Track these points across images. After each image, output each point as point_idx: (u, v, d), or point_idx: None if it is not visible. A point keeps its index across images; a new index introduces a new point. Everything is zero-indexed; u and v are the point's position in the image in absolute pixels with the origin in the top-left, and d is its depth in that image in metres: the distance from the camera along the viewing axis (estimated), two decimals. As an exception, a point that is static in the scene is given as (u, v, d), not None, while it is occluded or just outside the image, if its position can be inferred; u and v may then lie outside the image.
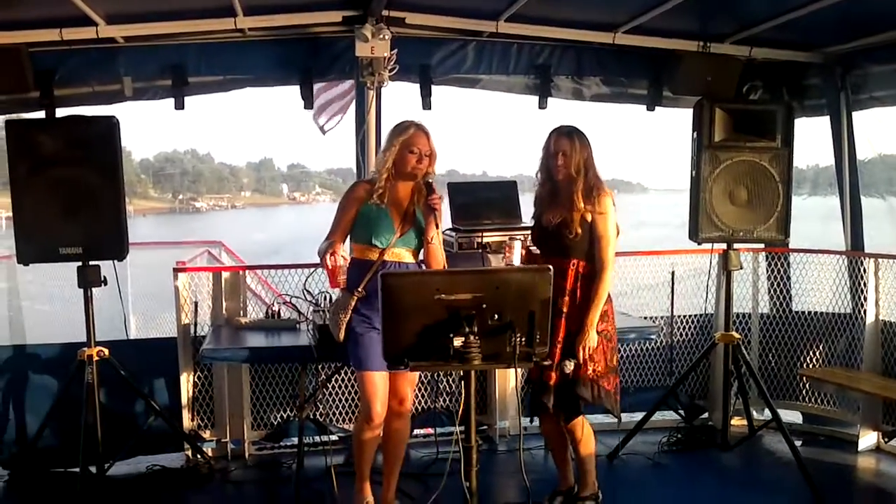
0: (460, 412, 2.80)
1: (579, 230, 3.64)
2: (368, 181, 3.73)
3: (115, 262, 4.35)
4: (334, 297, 3.90)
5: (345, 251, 3.54)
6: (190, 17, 4.46)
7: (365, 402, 3.64)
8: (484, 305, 2.65)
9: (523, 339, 2.70)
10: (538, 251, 3.89)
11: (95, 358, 4.24)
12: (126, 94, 4.74)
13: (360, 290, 3.56)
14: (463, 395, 2.77)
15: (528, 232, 4.01)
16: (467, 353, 2.62)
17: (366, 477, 3.81)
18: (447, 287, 2.65)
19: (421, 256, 3.76)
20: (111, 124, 4.14)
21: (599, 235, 3.66)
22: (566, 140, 3.68)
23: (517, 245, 3.86)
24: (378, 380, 3.59)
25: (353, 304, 3.57)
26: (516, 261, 3.83)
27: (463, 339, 2.62)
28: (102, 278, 4.30)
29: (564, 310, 3.63)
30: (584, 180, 3.66)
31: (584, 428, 3.82)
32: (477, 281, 2.70)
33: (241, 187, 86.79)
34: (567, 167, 3.65)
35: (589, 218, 3.65)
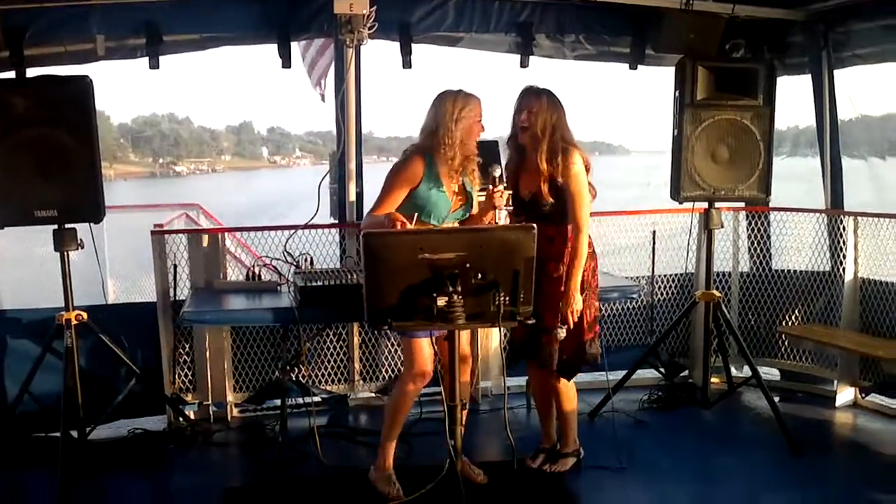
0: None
1: (551, 199, 3.61)
2: (421, 154, 3.52)
3: (92, 224, 4.28)
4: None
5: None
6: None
7: (417, 363, 3.58)
8: (468, 264, 2.64)
9: (507, 298, 2.69)
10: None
11: (74, 322, 4.19)
12: (99, 53, 4.62)
13: None
14: (449, 354, 2.76)
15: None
16: (451, 312, 2.61)
17: (394, 443, 3.80)
18: (431, 246, 2.63)
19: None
20: (84, 84, 4.03)
21: (571, 197, 3.61)
22: (533, 97, 3.62)
23: (503, 214, 3.69)
24: (426, 343, 3.58)
25: None
26: (502, 220, 3.78)
27: (447, 298, 2.61)
28: (79, 241, 4.23)
29: (555, 276, 3.64)
30: (549, 142, 3.60)
31: (568, 385, 3.86)
32: (461, 240, 2.69)
33: (220, 151, 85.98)
34: (532, 126, 3.59)
35: (560, 181, 3.60)
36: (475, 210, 3.65)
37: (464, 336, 3.64)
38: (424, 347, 3.59)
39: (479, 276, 2.66)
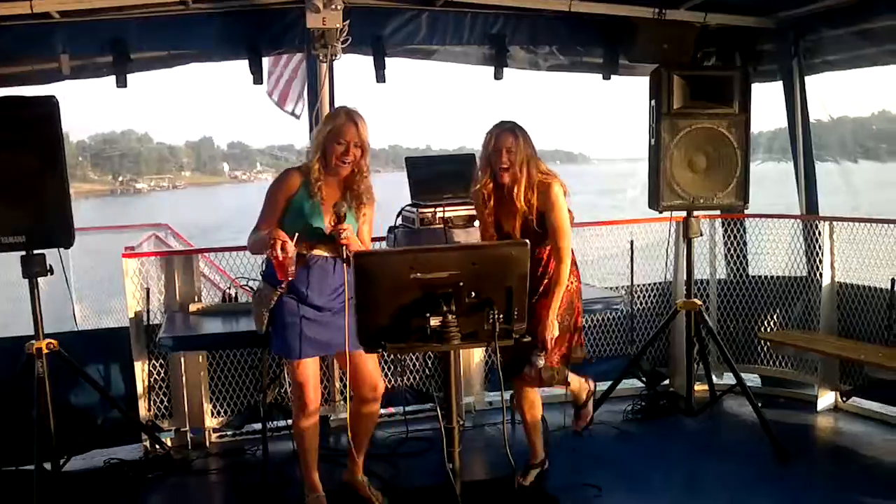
0: (426, 390, 2.73)
1: (538, 228, 3.61)
2: (300, 170, 3.46)
3: (61, 249, 4.14)
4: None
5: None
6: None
7: (297, 390, 3.52)
8: (461, 283, 2.57)
9: (501, 316, 2.64)
10: None
11: (45, 351, 4.05)
12: (64, 72, 4.50)
13: (282, 286, 3.38)
14: (435, 373, 2.70)
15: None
16: (446, 332, 2.54)
17: (313, 468, 3.68)
18: (423, 265, 2.56)
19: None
20: (51, 105, 3.91)
21: (554, 228, 3.60)
22: (510, 136, 3.57)
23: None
24: (309, 366, 3.50)
25: (275, 299, 3.42)
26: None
27: (440, 318, 2.54)
28: (48, 267, 4.10)
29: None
30: (527, 179, 3.57)
31: (532, 392, 3.88)
32: (453, 258, 2.61)
33: (181, 167, 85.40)
34: (512, 166, 3.55)
35: (542, 208, 3.60)
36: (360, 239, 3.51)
37: (370, 360, 3.56)
38: (308, 370, 3.49)
39: (473, 294, 2.60)
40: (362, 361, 3.51)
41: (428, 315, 2.55)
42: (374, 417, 3.75)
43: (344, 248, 3.28)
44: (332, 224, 3.34)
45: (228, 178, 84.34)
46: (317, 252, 3.43)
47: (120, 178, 77.82)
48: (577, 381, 4.01)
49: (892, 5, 4.47)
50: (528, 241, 2.67)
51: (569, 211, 3.70)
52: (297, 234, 3.29)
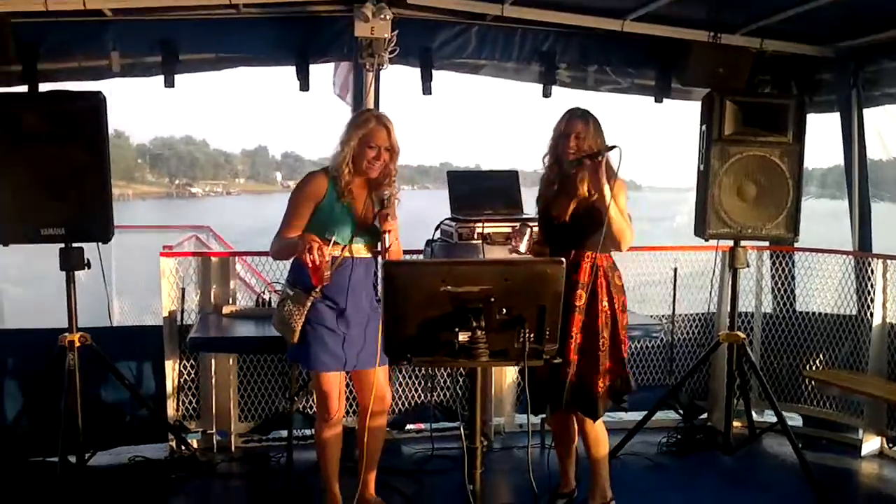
0: (455, 407, 2.64)
1: (591, 216, 3.42)
2: (325, 173, 3.42)
3: (100, 244, 4.16)
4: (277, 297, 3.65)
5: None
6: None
7: (322, 399, 3.48)
8: (492, 299, 2.49)
9: (532, 336, 2.55)
10: (547, 247, 3.68)
11: (77, 344, 4.06)
12: (114, 69, 4.55)
13: (317, 290, 3.32)
14: (461, 391, 2.61)
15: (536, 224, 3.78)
16: (474, 348, 2.46)
17: (334, 479, 3.62)
18: (454, 278, 2.49)
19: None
20: (98, 100, 3.93)
21: (612, 215, 3.31)
22: (580, 122, 3.45)
23: (528, 231, 3.60)
24: (334, 378, 3.45)
25: (309, 304, 3.35)
26: (523, 248, 3.60)
27: (469, 333, 2.46)
28: (86, 261, 4.11)
29: (578, 304, 3.46)
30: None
31: (599, 427, 3.64)
32: (485, 273, 2.54)
33: (235, 174, 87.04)
34: (579, 151, 3.42)
35: (598, 205, 3.38)
36: (394, 245, 3.42)
37: (380, 374, 3.48)
38: (333, 381, 3.44)
39: (504, 311, 2.52)
40: (372, 372, 3.45)
41: (457, 329, 2.48)
42: (382, 431, 3.68)
43: (386, 235, 3.28)
44: (376, 212, 3.34)
45: (281, 186, 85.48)
46: (349, 254, 3.39)
47: (176, 182, 79.55)
48: (602, 431, 3.68)
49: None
50: (563, 259, 2.57)
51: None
52: (332, 238, 3.26)
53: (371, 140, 3.35)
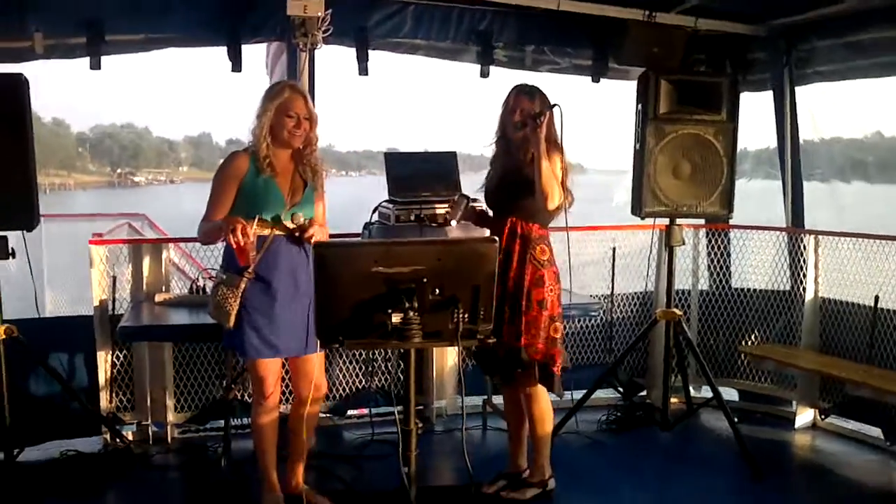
0: (396, 392, 2.61)
1: (512, 187, 3.51)
2: (247, 151, 3.35)
3: (25, 233, 4.01)
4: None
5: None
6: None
7: (257, 384, 3.41)
8: (425, 279, 2.47)
9: (466, 316, 2.53)
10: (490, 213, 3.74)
11: (2, 336, 3.91)
12: (37, 51, 4.35)
13: (250, 270, 3.24)
14: (402, 374, 2.58)
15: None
16: (407, 330, 2.44)
17: (272, 468, 3.54)
18: (386, 259, 2.46)
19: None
20: (18, 82, 3.77)
21: (543, 176, 3.36)
22: (526, 97, 3.51)
23: (464, 202, 3.66)
24: (271, 364, 3.39)
25: (243, 286, 3.26)
26: (458, 217, 3.69)
27: (402, 314, 2.43)
28: (10, 251, 3.96)
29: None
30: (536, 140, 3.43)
31: (543, 402, 3.66)
32: (418, 252, 2.51)
33: (179, 162, 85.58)
34: (519, 122, 3.47)
35: (528, 171, 3.46)
36: (319, 218, 3.46)
37: (317, 361, 3.44)
38: (271, 367, 3.39)
39: (437, 291, 2.49)
40: (309, 358, 3.40)
41: (390, 311, 2.45)
42: (314, 419, 3.65)
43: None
44: (297, 231, 3.30)
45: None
46: (280, 232, 3.32)
47: (119, 171, 77.99)
48: (548, 408, 3.69)
49: (885, 17, 4.41)
50: (496, 238, 2.56)
51: (567, 189, 3.56)
52: (256, 217, 3.21)
53: (289, 109, 3.31)
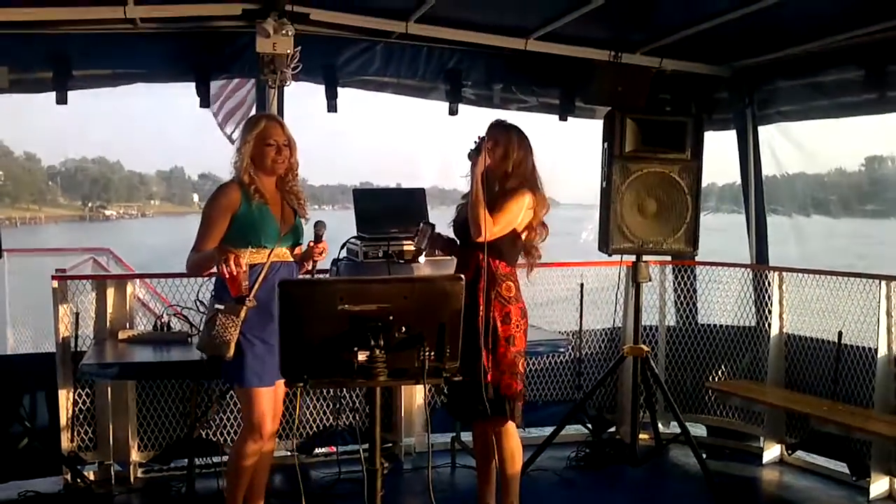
0: (364, 429, 2.59)
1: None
2: (235, 182, 3.39)
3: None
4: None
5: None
6: (74, 3, 4.10)
7: (256, 420, 3.35)
8: (391, 317, 2.44)
9: (433, 354, 2.51)
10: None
11: (-39, 374, 3.84)
12: (2, 85, 4.33)
13: (250, 298, 3.25)
14: (368, 413, 2.56)
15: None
16: (373, 368, 2.41)
17: (240, 498, 3.50)
18: (352, 296, 2.44)
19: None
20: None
21: (498, 209, 3.46)
22: (501, 131, 3.57)
23: (428, 231, 3.72)
24: (269, 396, 3.37)
25: (243, 314, 3.26)
26: (423, 245, 3.76)
27: (368, 353, 2.41)
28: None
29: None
30: (510, 179, 3.52)
31: (514, 440, 3.63)
32: (384, 290, 2.49)
33: (150, 196, 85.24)
34: (494, 159, 3.51)
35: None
36: (299, 248, 3.54)
37: (281, 391, 3.47)
38: (266, 400, 3.37)
39: (403, 329, 2.48)
40: (279, 384, 3.40)
41: (355, 349, 2.42)
42: (271, 456, 3.67)
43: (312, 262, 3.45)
44: (311, 243, 3.44)
45: (197, 207, 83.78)
46: (276, 258, 3.36)
47: (90, 205, 77.44)
48: (517, 446, 3.66)
49: (843, 59, 4.52)
50: (462, 276, 2.56)
51: (543, 224, 3.63)
52: (248, 248, 3.27)
53: (268, 137, 3.38)
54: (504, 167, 3.56)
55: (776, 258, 5.29)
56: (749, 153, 5.21)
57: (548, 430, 4.86)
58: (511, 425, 3.61)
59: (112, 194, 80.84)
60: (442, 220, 3.93)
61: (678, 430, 4.77)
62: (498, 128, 3.61)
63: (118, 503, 4.31)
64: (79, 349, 4.41)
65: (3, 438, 4.35)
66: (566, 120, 5.28)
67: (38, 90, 4.45)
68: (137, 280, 4.81)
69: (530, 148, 3.61)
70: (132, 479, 4.55)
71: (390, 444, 4.92)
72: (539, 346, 4.34)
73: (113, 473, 4.54)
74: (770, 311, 5.03)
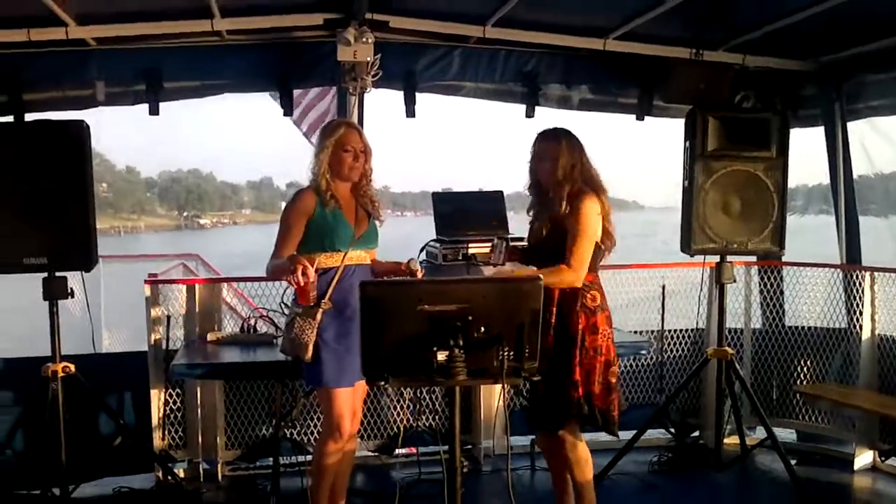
0: (444, 431, 2.61)
1: (550, 244, 3.46)
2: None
3: (84, 273, 4.13)
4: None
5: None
6: (164, 18, 4.28)
7: (335, 420, 3.43)
8: (470, 317, 2.47)
9: (511, 354, 2.53)
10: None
11: (60, 374, 4.02)
12: (99, 98, 4.54)
13: (326, 300, 3.35)
14: (448, 413, 2.58)
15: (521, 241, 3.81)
16: (452, 367, 2.43)
17: (325, 499, 3.58)
18: (431, 297, 2.47)
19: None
20: (80, 129, 3.92)
21: (571, 235, 3.36)
22: (545, 143, 3.50)
23: (503, 246, 3.71)
24: (348, 396, 3.44)
25: (320, 316, 3.35)
26: (500, 261, 3.71)
27: (447, 352, 2.44)
28: (69, 290, 4.08)
29: (551, 321, 3.41)
30: (571, 187, 3.42)
31: (579, 450, 3.56)
32: (463, 291, 2.52)
33: (241, 205, 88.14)
34: (549, 172, 3.45)
35: (567, 218, 3.41)
36: (372, 254, 3.62)
37: (362, 393, 3.54)
38: (348, 399, 3.43)
39: (482, 329, 2.50)
40: (360, 385, 3.48)
41: (435, 349, 2.46)
42: (353, 455, 3.74)
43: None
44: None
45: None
46: (351, 262, 3.44)
47: (185, 214, 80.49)
48: (585, 454, 3.58)
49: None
50: (541, 275, 2.56)
51: (607, 232, 3.49)
52: (320, 254, 3.39)
53: (346, 144, 3.46)
54: (556, 177, 3.45)
55: (869, 261, 5.09)
56: (838, 149, 5.04)
57: (629, 434, 4.79)
58: (568, 437, 3.53)
59: (206, 204, 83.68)
60: (522, 224, 3.92)
61: (765, 435, 4.65)
62: (545, 139, 3.52)
63: (207, 500, 4.45)
64: (169, 350, 4.58)
65: (98, 437, 4.54)
66: (643, 119, 5.22)
67: (132, 102, 4.63)
68: (225, 284, 4.97)
69: (582, 149, 3.50)
70: (220, 477, 4.70)
71: (469, 447, 4.95)
72: (619, 349, 4.28)
73: (201, 471, 4.70)
74: (861, 313, 4.86)
